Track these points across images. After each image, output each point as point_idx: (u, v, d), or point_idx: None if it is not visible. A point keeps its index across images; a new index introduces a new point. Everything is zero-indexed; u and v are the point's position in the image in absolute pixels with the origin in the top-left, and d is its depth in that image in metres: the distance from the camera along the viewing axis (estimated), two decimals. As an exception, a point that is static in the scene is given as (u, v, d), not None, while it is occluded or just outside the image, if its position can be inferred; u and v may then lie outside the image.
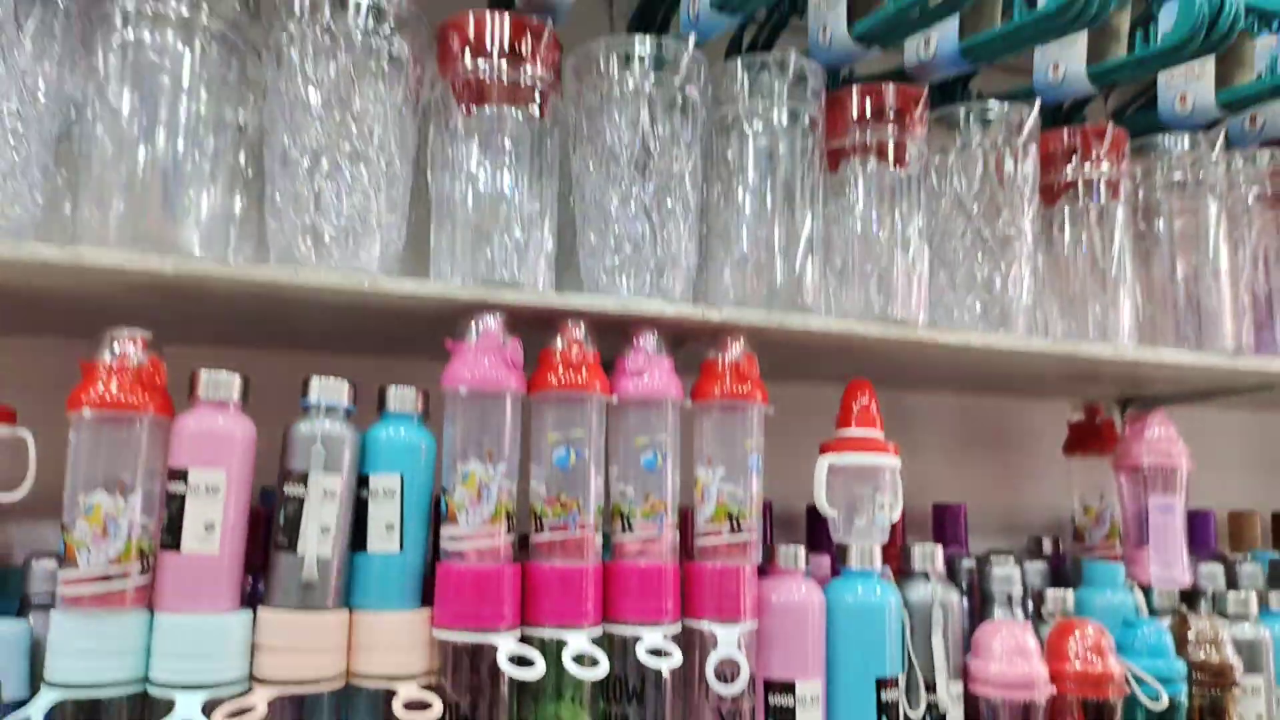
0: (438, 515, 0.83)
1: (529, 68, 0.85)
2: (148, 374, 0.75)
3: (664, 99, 0.89)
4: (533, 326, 0.85)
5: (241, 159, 0.85)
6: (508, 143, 0.85)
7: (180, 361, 0.78)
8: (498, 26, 0.85)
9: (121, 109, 0.78)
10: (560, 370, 0.83)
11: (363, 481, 0.80)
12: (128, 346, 0.76)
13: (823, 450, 0.95)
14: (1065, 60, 0.97)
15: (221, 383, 0.77)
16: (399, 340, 1.01)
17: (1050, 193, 1.05)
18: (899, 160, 0.95)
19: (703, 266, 0.93)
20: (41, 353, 0.94)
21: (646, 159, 0.88)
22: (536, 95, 0.86)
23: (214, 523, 0.74)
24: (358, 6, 0.81)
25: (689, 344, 0.95)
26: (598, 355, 0.85)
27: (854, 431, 0.94)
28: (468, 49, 0.85)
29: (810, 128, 0.93)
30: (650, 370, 0.86)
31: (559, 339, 0.85)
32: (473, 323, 0.82)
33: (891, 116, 0.94)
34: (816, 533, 1.18)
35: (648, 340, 0.88)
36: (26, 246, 0.72)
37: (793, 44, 0.98)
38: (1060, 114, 1.12)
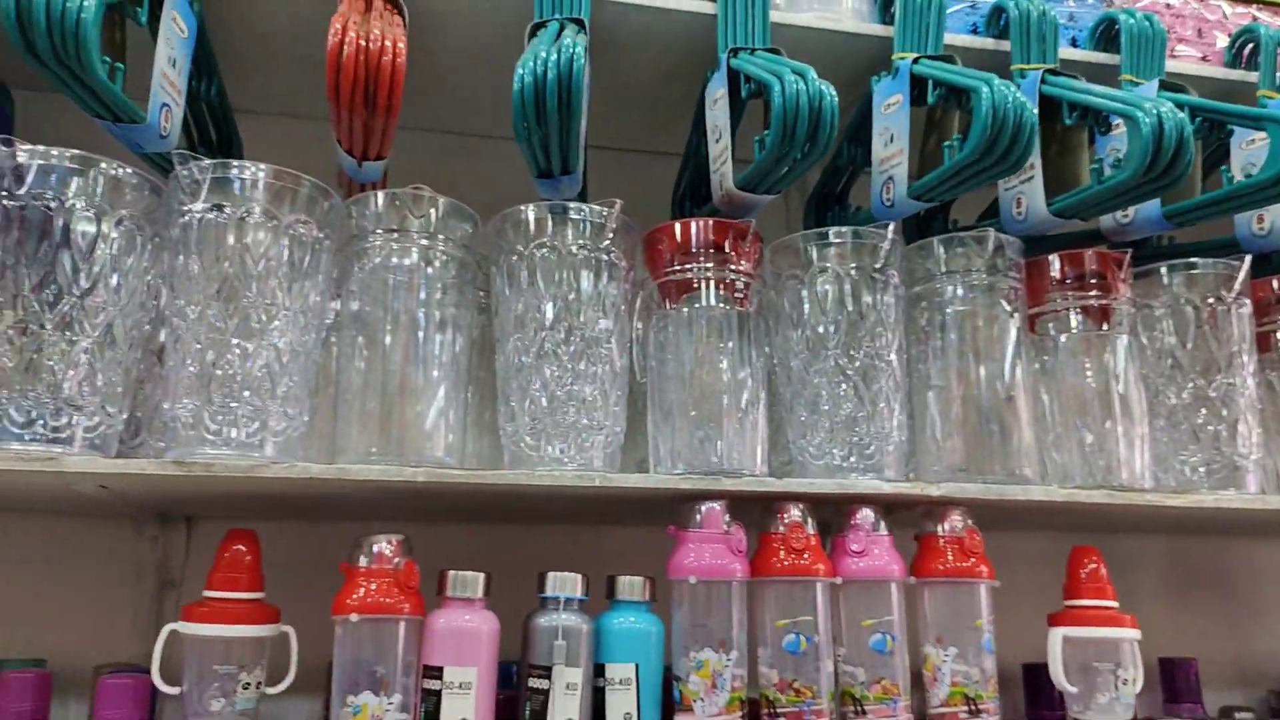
0: (668, 696, 0.84)
1: (735, 264, 0.90)
2: (404, 577, 0.81)
3: (864, 280, 0.92)
4: (748, 503, 0.87)
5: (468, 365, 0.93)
6: (719, 334, 0.90)
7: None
8: (703, 231, 0.91)
9: (371, 331, 0.86)
10: (783, 554, 0.85)
11: (598, 670, 0.83)
12: (384, 549, 0.82)
13: (1053, 622, 0.91)
14: (1271, 214, 0.96)
15: (468, 581, 0.82)
16: (617, 513, 1.05)
17: (1265, 341, 1.02)
18: (1105, 320, 0.94)
19: (911, 437, 0.94)
20: (298, 535, 1.02)
21: (851, 336, 0.90)
22: (741, 287, 0.91)
23: (468, 718, 0.78)
24: (579, 224, 0.88)
25: (898, 511, 0.95)
26: (818, 536, 0.86)
27: (1087, 602, 0.90)
28: (677, 251, 0.91)
29: (1010, 296, 0.94)
30: (871, 549, 0.86)
31: (778, 521, 0.87)
32: (696, 511, 0.85)
33: (1093, 280, 0.94)
34: (1036, 692, 1.13)
35: (865, 517, 0.88)
36: (299, 466, 0.80)
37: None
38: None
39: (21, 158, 0.79)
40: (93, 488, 0.85)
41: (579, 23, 0.89)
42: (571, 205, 0.89)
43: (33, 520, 1.07)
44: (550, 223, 0.89)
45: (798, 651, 0.83)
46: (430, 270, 0.89)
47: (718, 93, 0.95)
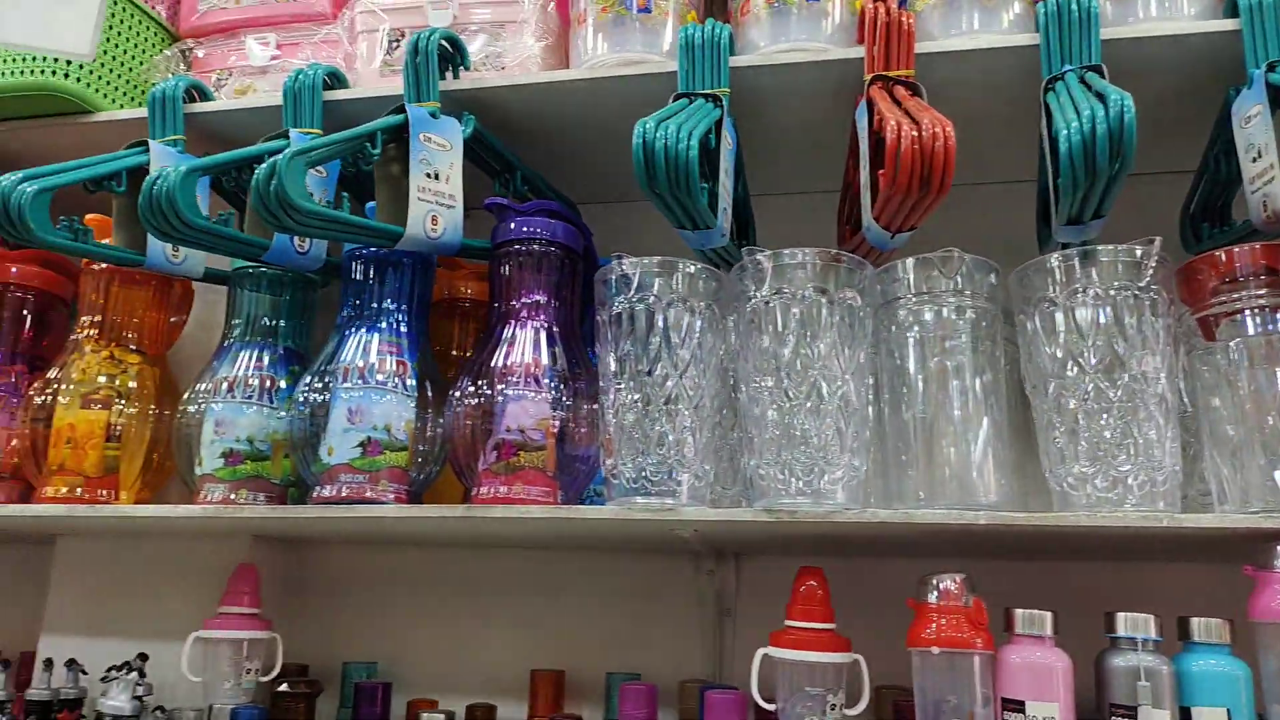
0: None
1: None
2: (974, 614, 0.87)
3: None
4: None
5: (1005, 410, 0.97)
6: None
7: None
8: (1252, 256, 0.88)
9: (912, 383, 0.95)
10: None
11: (1184, 714, 0.82)
12: (949, 586, 0.89)
13: None
14: None
15: (1037, 619, 0.86)
16: (1147, 551, 1.03)
17: None
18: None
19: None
20: (843, 570, 1.13)
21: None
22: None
23: (1054, 753, 0.81)
24: (1112, 265, 0.89)
25: None
26: None
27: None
28: (1222, 280, 0.89)
29: None
30: None
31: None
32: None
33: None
34: None
35: None
36: (868, 512, 0.90)
37: None
38: None
39: (628, 268, 0.98)
40: (690, 532, 1.02)
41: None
42: (1100, 247, 0.90)
43: (607, 557, 1.30)
44: (1078, 267, 0.91)
45: None
46: (961, 323, 0.95)
47: (1253, 109, 0.91)
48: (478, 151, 1.14)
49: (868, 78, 0.99)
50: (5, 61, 1.18)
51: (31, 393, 1.16)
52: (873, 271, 0.97)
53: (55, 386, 1.15)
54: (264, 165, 0.93)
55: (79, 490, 1.11)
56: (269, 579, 1.24)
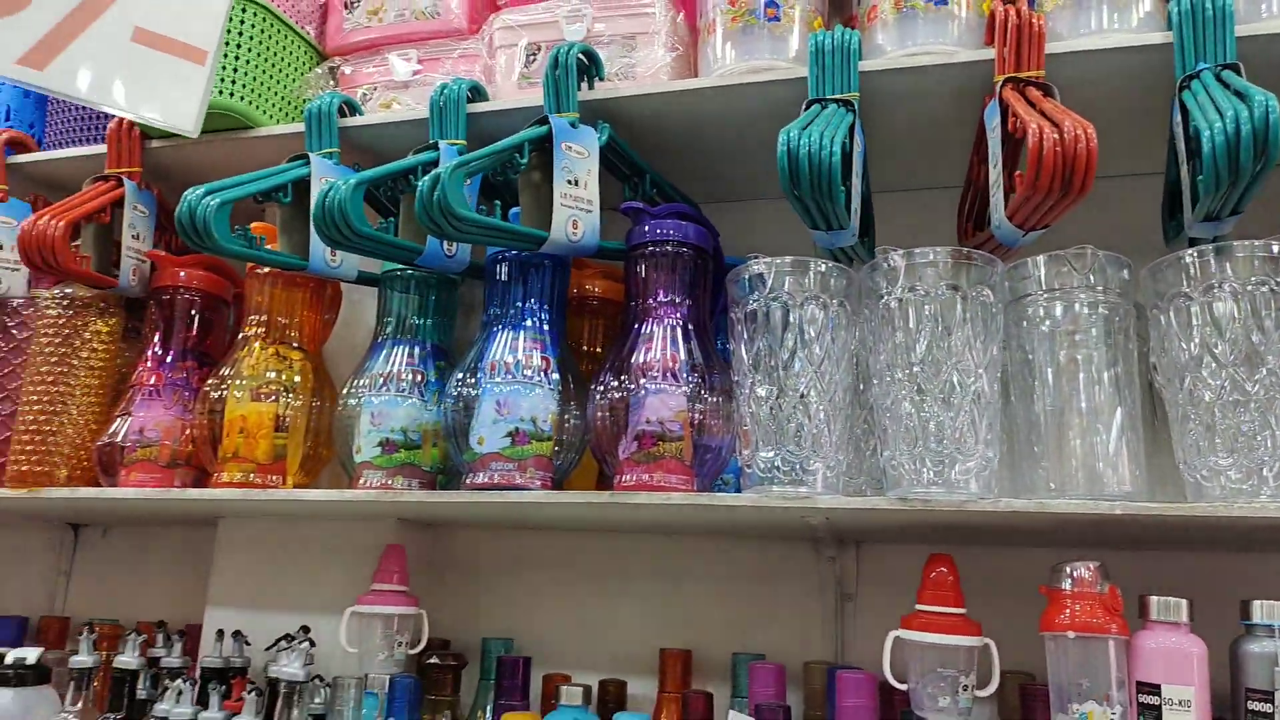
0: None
1: None
2: (1109, 601, 0.90)
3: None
4: None
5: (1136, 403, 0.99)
6: None
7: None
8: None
9: (1044, 377, 0.98)
10: None
11: (1324, 701, 0.84)
12: (1083, 574, 0.92)
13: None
14: None
15: (1173, 606, 0.89)
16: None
17: None
18: None
19: None
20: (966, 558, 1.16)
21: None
22: None
23: (1190, 735, 0.84)
24: (1248, 260, 0.91)
25: None
26: None
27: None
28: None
29: None
30: None
31: None
32: None
33: None
34: None
35: None
36: (1003, 502, 0.93)
37: None
38: None
39: (761, 268, 1.03)
40: (821, 519, 1.07)
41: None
42: (1235, 243, 0.92)
43: (731, 542, 1.35)
44: (1214, 263, 0.92)
45: None
46: (1094, 317, 0.97)
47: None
48: (610, 157, 1.21)
49: (999, 79, 1.02)
50: (177, 82, 1.29)
51: (207, 388, 1.27)
52: (1003, 268, 1.00)
53: (228, 381, 1.25)
54: (427, 177, 1.00)
55: (252, 476, 1.21)
56: (413, 559, 1.33)
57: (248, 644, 1.35)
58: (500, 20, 1.30)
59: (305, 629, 1.27)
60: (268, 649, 1.29)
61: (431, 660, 1.27)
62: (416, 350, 1.26)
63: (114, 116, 1.39)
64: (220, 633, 1.33)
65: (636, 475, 1.04)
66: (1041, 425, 0.98)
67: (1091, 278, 0.98)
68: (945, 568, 1.00)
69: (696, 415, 1.07)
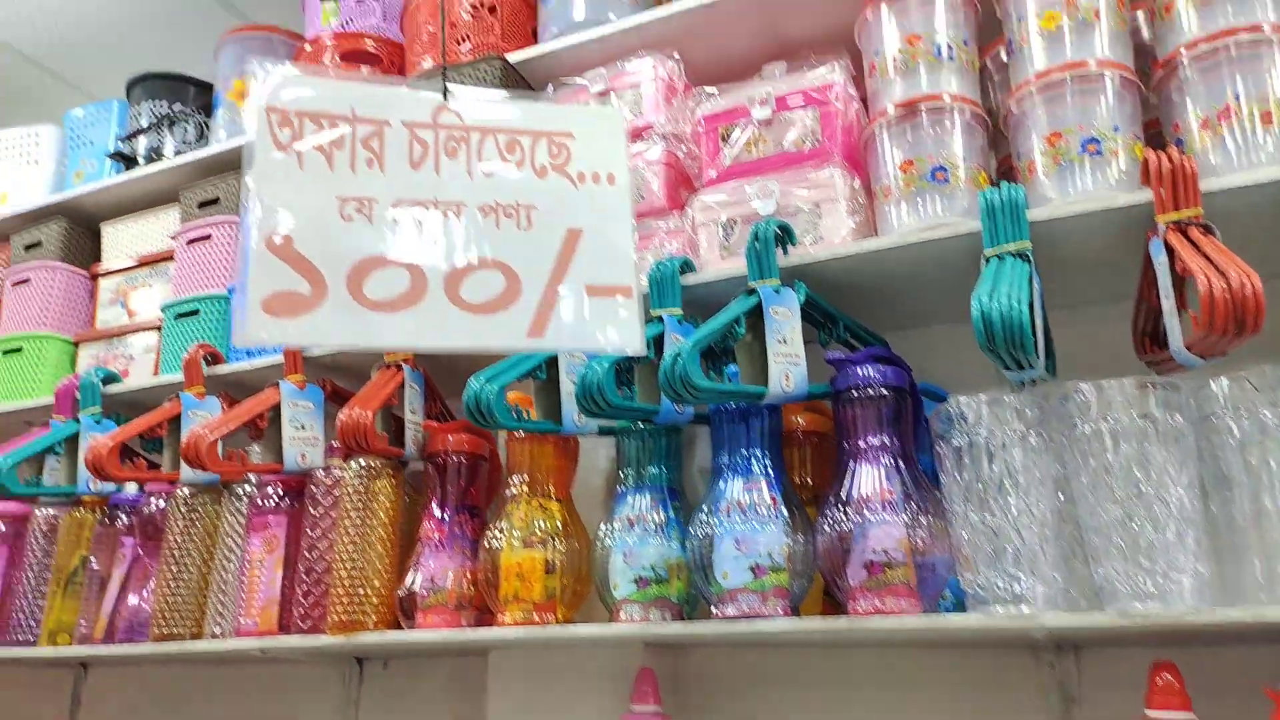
0: None
1: None
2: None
3: None
4: None
5: None
6: None
7: None
8: None
9: (1242, 485, 1.07)
10: None
11: None
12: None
13: None
14: None
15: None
16: None
17: None
18: None
19: None
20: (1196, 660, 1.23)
21: None
22: None
23: None
24: None
25: None
26: None
27: None
28: None
29: None
30: None
31: None
32: None
33: None
34: None
35: None
36: (1219, 612, 1.02)
37: None
38: None
39: (962, 406, 1.17)
40: (1042, 634, 1.17)
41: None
42: None
43: (951, 652, 1.45)
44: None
45: None
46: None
47: None
48: (806, 310, 1.38)
49: (1161, 221, 1.13)
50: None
51: (485, 539, 1.51)
52: (1187, 390, 1.10)
53: (502, 532, 1.48)
54: (668, 355, 1.21)
55: (533, 614, 1.43)
56: (660, 679, 1.50)
57: (527, 758, 1.56)
58: (699, 201, 1.52)
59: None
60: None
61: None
62: (654, 494, 1.45)
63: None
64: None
65: (870, 602, 1.19)
66: (1243, 530, 1.06)
67: (1274, 393, 1.06)
68: (1170, 674, 1.08)
69: (916, 541, 1.20)
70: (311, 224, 1.00)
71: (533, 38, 1.95)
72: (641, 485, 1.47)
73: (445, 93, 1.10)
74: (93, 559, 1.97)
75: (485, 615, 1.54)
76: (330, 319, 0.98)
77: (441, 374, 1.77)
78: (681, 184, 1.65)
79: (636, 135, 1.64)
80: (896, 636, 1.27)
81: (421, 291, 1.02)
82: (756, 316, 1.31)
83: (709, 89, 1.59)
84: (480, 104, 1.13)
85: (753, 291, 1.32)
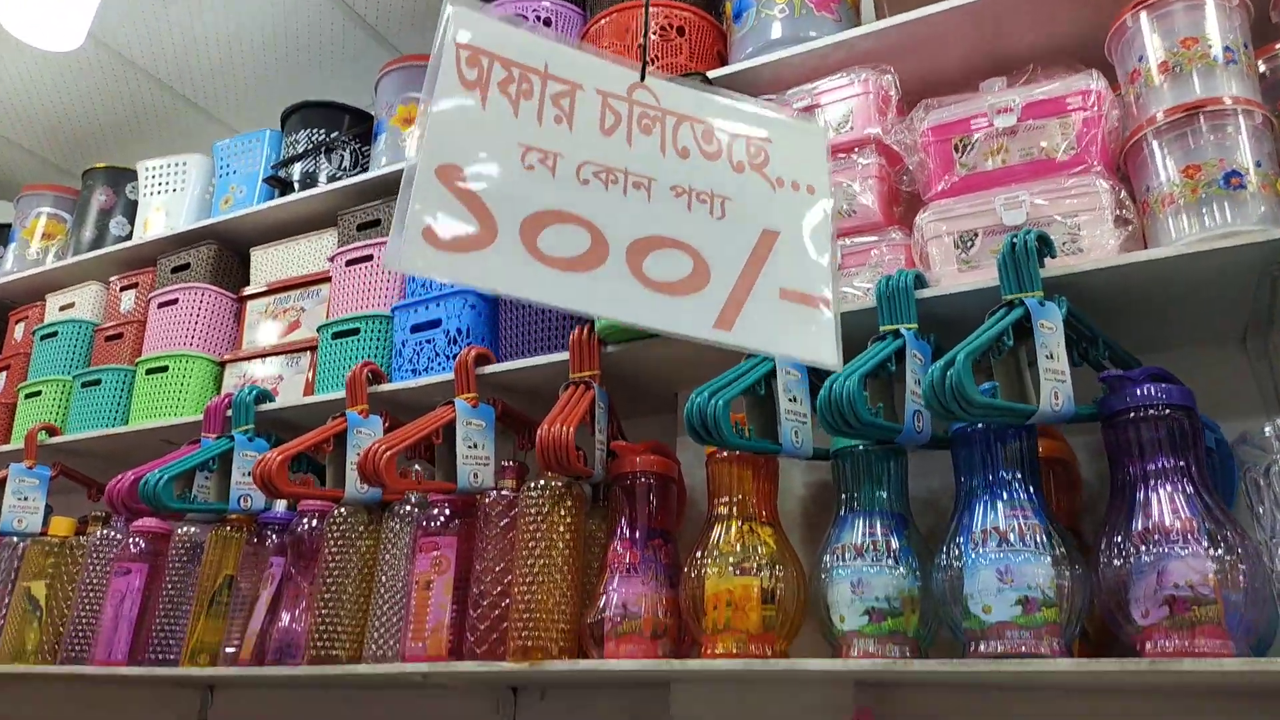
0: None
1: None
2: None
3: None
4: None
5: None
6: None
7: None
8: None
9: None
10: None
11: None
12: None
13: None
14: None
15: None
16: None
17: None
18: None
19: None
20: None
21: None
22: None
23: None
24: None
25: None
26: None
27: None
28: None
29: None
30: None
31: None
32: None
33: None
34: None
35: None
36: None
37: None
38: None
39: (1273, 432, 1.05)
40: None
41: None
42: None
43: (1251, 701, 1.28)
44: None
45: None
46: None
47: None
48: (1066, 327, 1.27)
49: None
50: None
51: (689, 565, 1.39)
52: None
53: (707, 557, 1.37)
54: (937, 365, 1.11)
55: (748, 646, 1.30)
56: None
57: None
58: (931, 213, 1.42)
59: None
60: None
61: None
62: (880, 520, 1.33)
63: (575, 327, 1.62)
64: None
65: (1173, 642, 1.04)
66: None
67: None
68: None
69: (1224, 575, 1.06)
70: (488, 164, 0.94)
71: (718, 61, 1.91)
72: (865, 510, 1.34)
73: (644, 74, 1.05)
74: (239, 579, 1.89)
75: (681, 647, 1.41)
76: (499, 263, 0.91)
77: (617, 392, 1.68)
78: (893, 199, 1.56)
79: (848, 149, 1.56)
80: (1203, 681, 1.11)
81: (602, 255, 0.95)
82: (1022, 332, 1.20)
83: (928, 101, 1.52)
84: (677, 92, 1.08)
85: (1013, 304, 1.21)
